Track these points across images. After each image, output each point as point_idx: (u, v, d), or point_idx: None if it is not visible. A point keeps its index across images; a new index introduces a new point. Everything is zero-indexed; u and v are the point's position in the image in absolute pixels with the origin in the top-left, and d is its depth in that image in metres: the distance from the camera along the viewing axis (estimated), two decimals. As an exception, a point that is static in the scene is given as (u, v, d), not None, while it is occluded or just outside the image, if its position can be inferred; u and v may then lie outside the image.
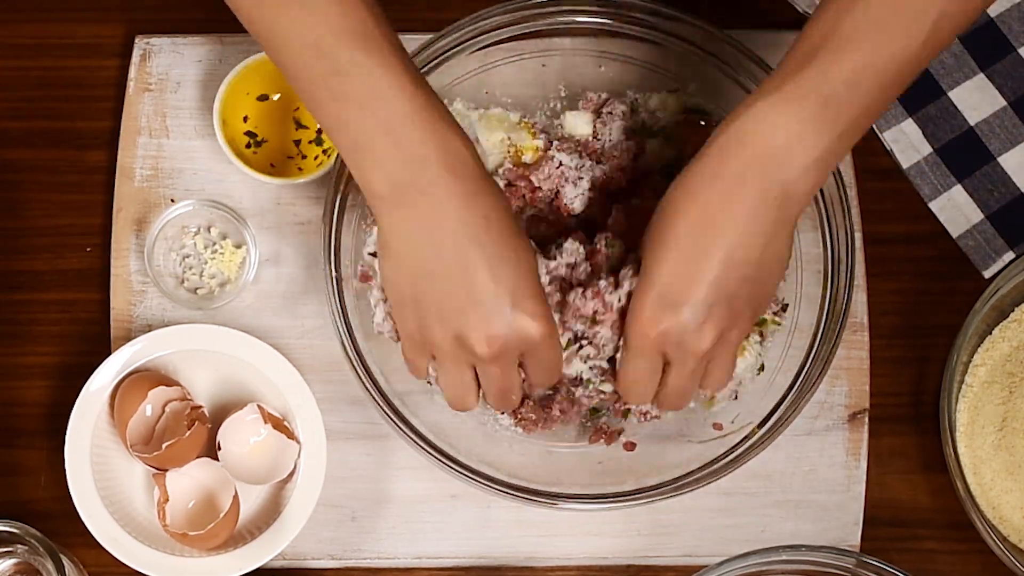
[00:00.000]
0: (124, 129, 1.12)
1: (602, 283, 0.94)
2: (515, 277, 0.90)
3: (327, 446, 1.05)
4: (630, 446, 1.05)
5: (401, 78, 0.88)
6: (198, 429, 1.04)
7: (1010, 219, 1.13)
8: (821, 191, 1.01)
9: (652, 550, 1.08)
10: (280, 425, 1.05)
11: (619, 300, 0.94)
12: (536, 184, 1.05)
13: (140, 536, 1.04)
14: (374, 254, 1.00)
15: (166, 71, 1.13)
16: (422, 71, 1.00)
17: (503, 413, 1.03)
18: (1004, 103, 1.14)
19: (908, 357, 1.12)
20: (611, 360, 0.97)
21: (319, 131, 1.12)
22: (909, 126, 1.14)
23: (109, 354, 1.06)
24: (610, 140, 1.06)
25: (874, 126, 1.13)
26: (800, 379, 1.01)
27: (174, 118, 1.12)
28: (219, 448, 1.05)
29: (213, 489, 1.06)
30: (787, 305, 1.04)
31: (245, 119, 1.11)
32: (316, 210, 1.10)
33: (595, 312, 0.94)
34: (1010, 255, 1.12)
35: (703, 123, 1.06)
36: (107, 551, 1.03)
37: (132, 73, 1.13)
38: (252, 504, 1.07)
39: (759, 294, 0.91)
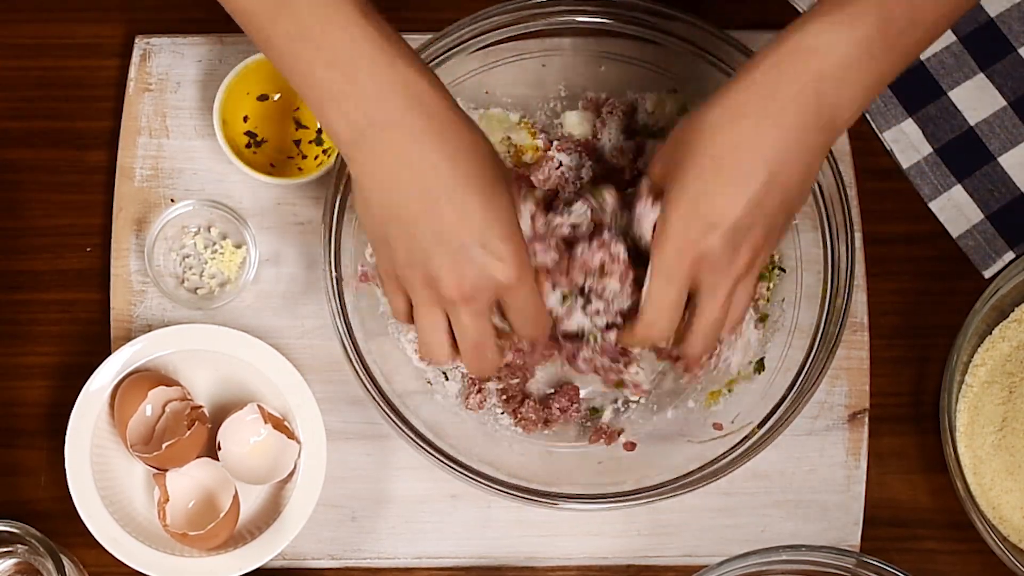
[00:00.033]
0: (124, 129, 1.12)
1: (606, 234, 0.93)
2: (485, 217, 0.87)
3: (327, 446, 1.05)
4: (630, 446, 1.05)
5: (352, 14, 0.85)
6: (198, 429, 1.04)
7: (1010, 219, 1.13)
8: (821, 191, 1.01)
9: (652, 550, 1.08)
10: (280, 425, 1.05)
11: (624, 252, 0.92)
12: (536, 184, 1.05)
13: (140, 536, 1.04)
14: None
15: (166, 71, 1.13)
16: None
17: (483, 383, 1.03)
18: (1004, 103, 1.14)
19: (908, 357, 1.11)
20: (622, 315, 0.94)
21: (319, 131, 1.12)
22: (909, 126, 1.14)
23: (109, 354, 1.06)
24: (610, 140, 1.06)
25: (874, 126, 1.13)
26: (800, 379, 1.01)
27: (174, 118, 1.12)
28: (219, 448, 1.05)
29: (213, 489, 1.05)
30: (784, 269, 1.03)
31: (245, 119, 1.11)
32: (316, 210, 1.10)
33: (603, 264, 0.93)
34: (1010, 255, 1.12)
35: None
36: (107, 551, 1.03)
37: (132, 73, 1.13)
38: (252, 504, 1.07)
39: (784, 225, 0.89)
